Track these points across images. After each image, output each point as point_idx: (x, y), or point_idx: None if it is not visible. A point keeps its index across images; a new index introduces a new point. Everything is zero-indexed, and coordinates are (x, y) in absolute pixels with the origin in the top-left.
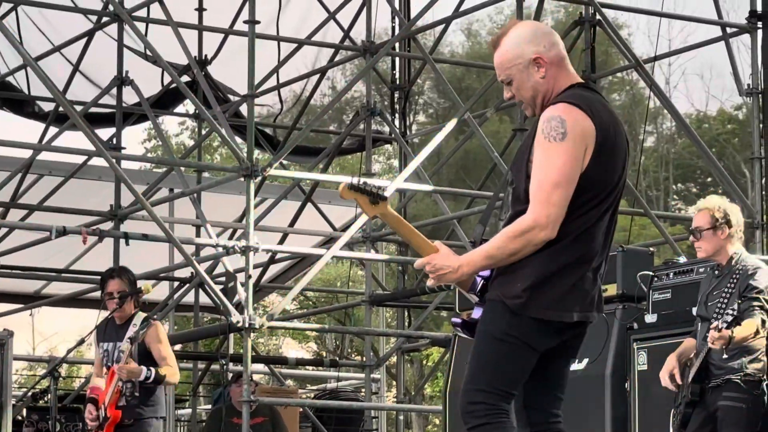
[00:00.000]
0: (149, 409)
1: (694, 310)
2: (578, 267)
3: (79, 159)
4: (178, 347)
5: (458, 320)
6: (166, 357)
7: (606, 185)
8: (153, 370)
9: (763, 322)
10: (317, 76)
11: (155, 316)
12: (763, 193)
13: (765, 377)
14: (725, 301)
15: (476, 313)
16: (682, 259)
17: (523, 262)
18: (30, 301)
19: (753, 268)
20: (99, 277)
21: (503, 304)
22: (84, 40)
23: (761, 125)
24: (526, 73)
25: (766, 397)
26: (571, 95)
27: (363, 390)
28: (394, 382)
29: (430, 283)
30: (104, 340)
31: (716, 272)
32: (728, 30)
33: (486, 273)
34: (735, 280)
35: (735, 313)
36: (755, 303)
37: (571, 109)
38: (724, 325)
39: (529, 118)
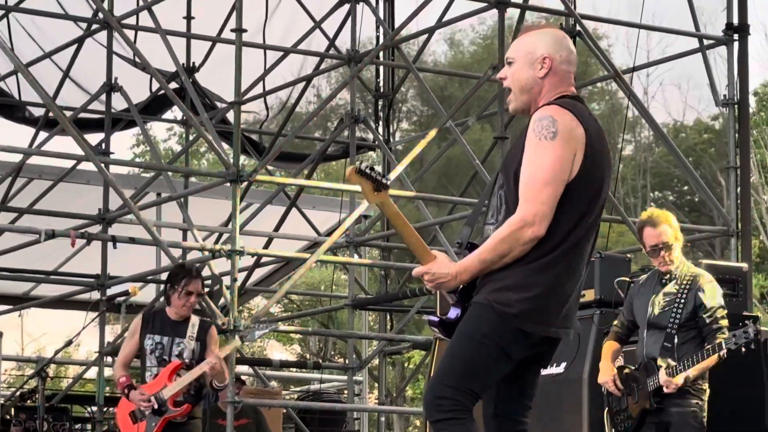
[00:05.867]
0: (197, 410)
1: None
2: (567, 281)
3: (69, 163)
4: None
5: (435, 319)
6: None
7: (593, 194)
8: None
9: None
10: (303, 83)
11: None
12: (738, 201)
13: (708, 387)
14: (679, 311)
15: (452, 312)
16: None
17: (514, 270)
18: (19, 302)
19: (705, 281)
20: (89, 279)
21: (492, 309)
22: (74, 47)
23: (737, 135)
24: (529, 64)
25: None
26: (563, 101)
27: (345, 391)
28: (376, 384)
29: (429, 286)
30: (154, 332)
31: (662, 280)
32: (705, 42)
33: None
34: (685, 290)
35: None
36: (719, 324)
37: (564, 112)
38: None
39: (510, 126)
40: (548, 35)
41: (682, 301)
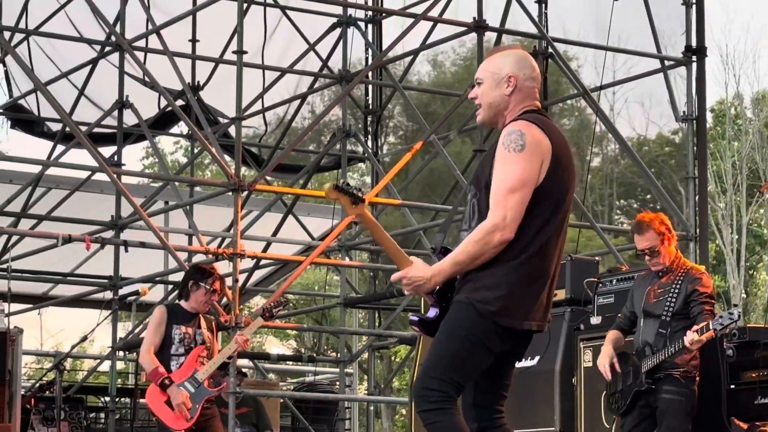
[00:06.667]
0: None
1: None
2: (538, 279)
3: (84, 174)
4: None
5: (415, 318)
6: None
7: (559, 199)
8: None
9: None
10: (298, 101)
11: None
12: (697, 209)
13: (698, 374)
14: (673, 300)
15: (431, 312)
16: (624, 268)
17: (491, 271)
18: (38, 301)
19: (698, 273)
20: (102, 280)
21: (473, 307)
22: (89, 67)
23: (695, 148)
24: (496, 83)
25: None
26: (530, 116)
27: (337, 383)
28: (366, 376)
29: (406, 290)
30: (180, 323)
31: (659, 273)
32: (666, 63)
33: None
34: (680, 281)
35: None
36: (707, 307)
37: (531, 126)
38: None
39: (488, 140)
40: (512, 56)
41: (676, 291)
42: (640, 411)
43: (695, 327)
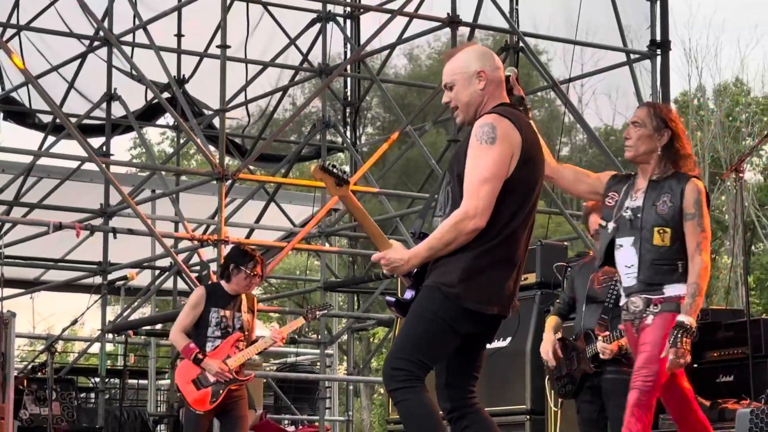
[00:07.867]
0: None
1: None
2: (505, 266)
3: (74, 164)
4: (159, 326)
5: (391, 299)
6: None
7: (528, 190)
8: None
9: None
10: (280, 93)
11: None
12: None
13: None
14: (617, 287)
15: (408, 294)
16: (592, 252)
17: (459, 257)
18: (30, 286)
19: None
20: (92, 266)
21: (439, 290)
22: (78, 61)
23: None
24: (468, 81)
25: None
26: (502, 110)
27: (318, 364)
28: (345, 357)
29: (385, 270)
30: (218, 305)
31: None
32: (632, 56)
33: None
34: None
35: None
36: None
37: (502, 120)
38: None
39: (462, 131)
40: (473, 52)
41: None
42: (590, 392)
43: (601, 336)
